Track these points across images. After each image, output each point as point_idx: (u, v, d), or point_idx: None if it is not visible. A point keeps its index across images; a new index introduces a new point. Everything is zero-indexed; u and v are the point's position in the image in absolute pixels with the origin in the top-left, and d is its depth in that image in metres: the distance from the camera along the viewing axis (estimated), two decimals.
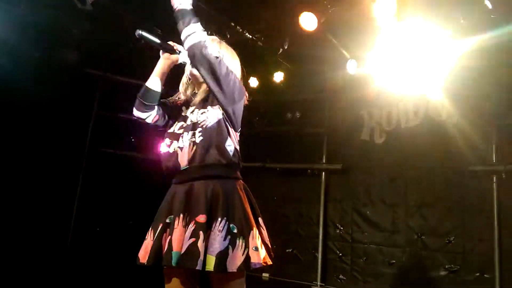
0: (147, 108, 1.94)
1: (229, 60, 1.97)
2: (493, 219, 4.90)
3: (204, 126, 1.86)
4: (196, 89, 2.04)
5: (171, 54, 1.94)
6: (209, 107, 1.91)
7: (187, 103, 2.03)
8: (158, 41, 1.91)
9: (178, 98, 2.09)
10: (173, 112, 2.02)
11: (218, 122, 1.88)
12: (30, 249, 5.15)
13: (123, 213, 6.35)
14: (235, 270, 1.69)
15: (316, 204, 6.15)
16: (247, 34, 5.23)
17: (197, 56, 1.77)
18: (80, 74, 5.91)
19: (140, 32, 1.84)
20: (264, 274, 6.09)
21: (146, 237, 1.92)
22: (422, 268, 5.23)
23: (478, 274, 4.90)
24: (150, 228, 1.93)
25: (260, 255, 1.77)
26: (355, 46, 5.23)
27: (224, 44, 2.07)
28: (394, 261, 5.44)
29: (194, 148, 1.83)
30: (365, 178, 5.91)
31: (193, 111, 1.96)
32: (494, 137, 5.05)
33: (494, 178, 4.98)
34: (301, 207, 6.32)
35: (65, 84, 5.76)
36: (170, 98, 2.10)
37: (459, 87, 5.13)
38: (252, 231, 1.80)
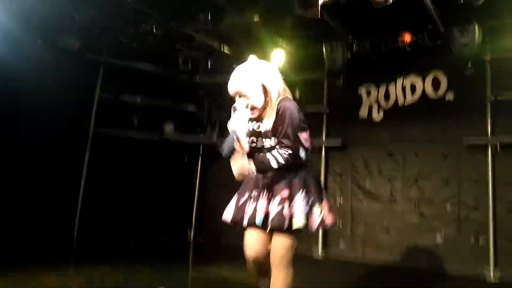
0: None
1: (271, 83, 2.39)
2: (487, 189, 5.16)
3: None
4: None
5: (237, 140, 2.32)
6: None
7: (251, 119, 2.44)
8: (231, 138, 2.27)
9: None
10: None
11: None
12: (38, 230, 5.34)
13: (128, 192, 6.56)
14: (313, 229, 2.36)
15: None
16: (246, 15, 5.32)
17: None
18: (82, 59, 5.98)
19: (225, 153, 2.26)
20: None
21: (232, 202, 2.53)
22: (419, 235, 5.53)
23: (472, 240, 5.20)
24: (237, 196, 2.53)
25: (331, 218, 2.42)
26: (353, 27, 5.36)
27: (255, 75, 2.36)
28: (392, 230, 5.73)
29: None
30: (364, 153, 6.14)
31: (260, 131, 2.44)
32: (489, 111, 5.24)
33: (489, 150, 5.22)
34: None
35: (68, 69, 5.85)
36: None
37: (452, 63, 5.30)
38: (323, 201, 2.40)
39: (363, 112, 6.17)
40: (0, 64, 4.98)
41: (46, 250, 5.09)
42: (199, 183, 7.66)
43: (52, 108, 5.58)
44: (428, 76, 5.66)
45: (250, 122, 2.38)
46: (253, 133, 2.39)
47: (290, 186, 2.32)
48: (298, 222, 2.25)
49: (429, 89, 5.65)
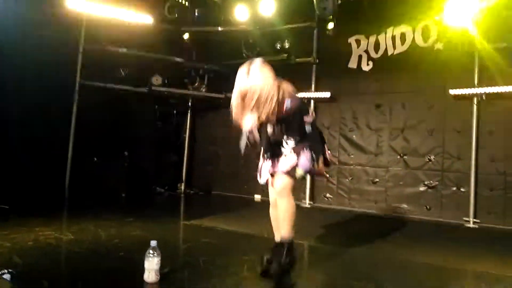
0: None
1: (270, 88, 2.72)
2: (471, 139, 5.21)
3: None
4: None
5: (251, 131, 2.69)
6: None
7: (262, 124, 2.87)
8: (246, 137, 2.64)
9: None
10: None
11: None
12: (29, 183, 5.38)
13: (118, 144, 6.56)
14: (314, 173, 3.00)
15: None
16: None
17: None
18: (64, 8, 5.80)
19: (243, 151, 2.63)
20: (256, 196, 6.48)
21: (259, 164, 3.00)
22: (403, 185, 5.64)
23: (454, 188, 5.31)
24: (261, 157, 2.98)
25: (320, 169, 2.89)
26: None
27: (259, 81, 2.70)
28: (377, 180, 5.83)
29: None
30: (352, 105, 6.13)
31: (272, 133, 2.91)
32: (476, 60, 5.20)
33: (475, 100, 5.22)
34: None
35: (51, 20, 5.70)
36: None
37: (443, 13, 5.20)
38: (320, 157, 2.85)
39: (353, 63, 6.10)
40: None
41: (38, 203, 5.12)
42: (188, 135, 7.69)
43: (38, 63, 5.48)
44: (419, 26, 5.56)
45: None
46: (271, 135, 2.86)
47: (296, 143, 2.77)
48: (300, 172, 2.71)
49: (418, 38, 5.57)
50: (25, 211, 4.65)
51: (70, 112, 6.24)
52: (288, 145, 2.79)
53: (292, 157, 2.77)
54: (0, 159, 5.20)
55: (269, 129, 2.88)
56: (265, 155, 2.96)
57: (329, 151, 3.01)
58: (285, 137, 2.82)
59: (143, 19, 6.46)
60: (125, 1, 6.28)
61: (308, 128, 2.85)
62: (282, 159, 2.81)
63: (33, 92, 5.49)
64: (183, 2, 6.61)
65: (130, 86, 6.68)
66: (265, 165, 2.93)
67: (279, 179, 2.78)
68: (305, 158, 2.76)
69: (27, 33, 5.46)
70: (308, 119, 2.87)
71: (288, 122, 2.80)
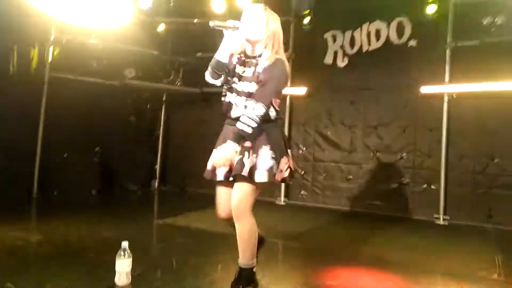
0: (218, 76, 2.46)
1: (275, 27, 2.48)
2: (441, 137, 5.33)
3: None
4: (248, 50, 2.46)
5: (233, 31, 2.36)
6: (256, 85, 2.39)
7: (241, 62, 2.44)
8: (225, 24, 2.35)
9: (232, 56, 2.48)
10: (229, 69, 2.47)
11: None
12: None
13: (90, 140, 6.37)
14: (278, 181, 2.40)
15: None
16: None
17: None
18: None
19: (214, 24, 2.33)
20: None
21: (210, 159, 2.46)
22: (376, 182, 5.72)
23: (425, 185, 5.43)
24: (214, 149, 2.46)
25: (281, 176, 2.39)
26: None
27: (267, 11, 2.47)
28: (351, 177, 5.90)
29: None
30: (327, 102, 6.16)
31: (245, 76, 2.41)
32: (448, 58, 5.30)
33: (445, 97, 5.33)
34: None
35: (20, 14, 5.45)
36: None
37: (418, 9, 5.27)
38: (283, 159, 2.39)
39: (328, 58, 6.11)
40: None
41: (5, 201, 4.92)
42: (163, 130, 7.56)
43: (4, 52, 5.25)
44: (393, 22, 5.61)
45: (239, 66, 2.43)
46: (237, 76, 2.43)
47: (254, 139, 2.31)
48: (260, 175, 2.28)
49: (393, 35, 5.63)
50: None
51: (39, 106, 6.00)
52: (244, 129, 2.25)
53: (260, 154, 2.30)
54: None
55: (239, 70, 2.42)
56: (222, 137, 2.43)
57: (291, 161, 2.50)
58: (245, 119, 2.26)
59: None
60: None
61: (273, 113, 2.39)
62: (239, 152, 2.28)
63: None
64: None
65: (102, 79, 6.48)
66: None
67: (237, 190, 2.31)
68: (266, 157, 2.30)
69: None
70: (278, 101, 2.44)
71: (261, 86, 2.32)
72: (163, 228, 4.36)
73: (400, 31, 5.57)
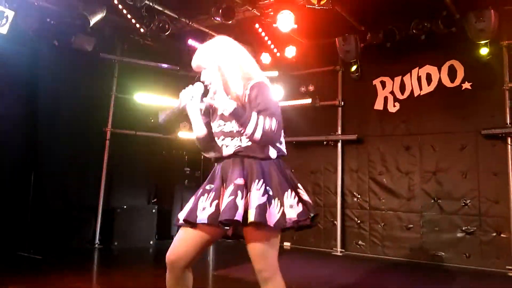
0: (209, 149, 2.15)
1: (243, 60, 2.12)
2: (508, 181, 4.99)
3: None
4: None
5: (188, 104, 2.08)
6: None
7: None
8: (175, 108, 2.07)
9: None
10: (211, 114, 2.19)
11: None
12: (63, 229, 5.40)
13: (147, 191, 6.61)
14: (271, 225, 1.87)
15: (333, 174, 6.32)
16: (256, 11, 5.32)
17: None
18: (97, 59, 6.09)
19: (159, 120, 2.08)
20: (285, 243, 6.32)
21: (188, 203, 2.11)
22: (439, 231, 5.38)
23: (494, 234, 5.03)
24: (193, 196, 2.12)
25: (295, 211, 1.94)
26: (365, 16, 5.28)
27: (213, 51, 2.12)
28: (411, 226, 5.60)
29: (239, 147, 2.05)
30: (380, 147, 6.02)
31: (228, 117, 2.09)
32: (507, 99, 5.07)
33: (509, 140, 5.05)
34: (318, 178, 6.49)
35: (84, 70, 5.98)
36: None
37: (468, 51, 5.17)
38: (286, 192, 1.97)
39: (379, 104, 6.06)
40: None
41: (69, 251, 5.16)
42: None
43: (71, 108, 5.73)
44: (444, 65, 5.51)
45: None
46: (221, 117, 2.11)
47: (246, 174, 1.97)
48: (251, 215, 1.87)
49: (445, 78, 5.51)
50: (57, 261, 4.65)
51: (101, 160, 6.35)
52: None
53: (252, 190, 1.92)
54: (33, 209, 5.31)
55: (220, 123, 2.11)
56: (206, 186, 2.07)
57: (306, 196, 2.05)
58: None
59: (171, 68, 6.70)
60: (155, 52, 6.52)
61: (273, 152, 2.05)
62: (229, 191, 1.92)
63: (64, 141, 5.67)
64: None
65: (159, 133, 6.81)
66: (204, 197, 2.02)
67: (253, 243, 1.95)
68: (260, 193, 1.90)
69: (60, 82, 5.69)
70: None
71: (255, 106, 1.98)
72: (218, 280, 4.32)
73: (452, 74, 5.45)
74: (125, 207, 6.16)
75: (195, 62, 2.12)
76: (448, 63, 5.49)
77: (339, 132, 6.35)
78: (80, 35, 5.54)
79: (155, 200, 6.60)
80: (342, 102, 6.38)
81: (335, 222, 6.15)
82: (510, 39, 5.06)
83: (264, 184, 1.94)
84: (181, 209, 2.13)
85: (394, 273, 4.94)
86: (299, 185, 2.08)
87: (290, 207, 1.94)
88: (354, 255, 5.91)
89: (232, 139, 2.05)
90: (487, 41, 4.85)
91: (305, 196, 2.03)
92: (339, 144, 6.33)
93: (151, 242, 6.14)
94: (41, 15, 5.20)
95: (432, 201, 5.50)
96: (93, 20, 5.22)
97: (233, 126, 2.05)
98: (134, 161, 6.51)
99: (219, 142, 2.11)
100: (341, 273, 4.92)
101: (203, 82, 2.12)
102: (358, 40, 5.68)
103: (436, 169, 5.52)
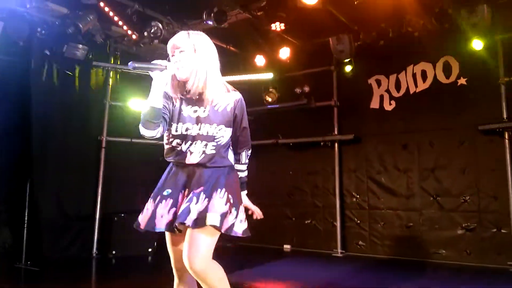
0: (156, 125, 2.01)
1: (208, 55, 2.10)
2: (506, 176, 4.95)
3: (218, 143, 2.13)
4: (188, 87, 2.10)
5: (161, 71, 2.00)
6: (224, 127, 2.13)
7: (186, 102, 2.12)
8: (149, 65, 2.01)
9: (170, 96, 2.14)
10: (172, 113, 2.12)
11: (228, 140, 2.19)
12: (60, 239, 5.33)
13: (144, 198, 6.52)
14: (223, 231, 2.02)
15: (331, 175, 6.28)
16: (248, 14, 5.29)
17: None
18: (90, 67, 6.04)
19: (133, 64, 1.96)
20: (285, 246, 6.27)
21: (147, 206, 2.14)
22: (439, 228, 5.34)
23: (495, 230, 5.00)
24: (150, 199, 2.15)
25: (242, 226, 2.09)
26: (357, 15, 5.26)
27: (193, 38, 2.10)
28: (411, 224, 5.57)
29: (203, 156, 2.11)
30: (378, 146, 5.99)
31: (199, 117, 2.10)
32: (503, 93, 5.05)
33: (506, 135, 5.02)
34: (316, 179, 6.46)
35: (77, 78, 5.93)
36: (163, 101, 2.10)
37: (464, 47, 5.15)
38: (241, 206, 2.13)
39: (375, 103, 6.03)
40: None
41: (66, 260, 5.09)
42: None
43: (65, 117, 5.66)
44: (439, 62, 5.49)
45: (186, 106, 2.11)
46: (189, 119, 2.09)
47: (207, 182, 2.06)
48: (212, 219, 1.97)
49: (440, 75, 5.49)
50: (54, 272, 4.59)
51: (97, 168, 6.29)
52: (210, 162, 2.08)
53: (213, 197, 2.03)
54: (29, 219, 5.24)
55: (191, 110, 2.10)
56: (164, 192, 2.11)
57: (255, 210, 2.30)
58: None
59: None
60: (149, 58, 6.49)
61: (231, 155, 2.20)
62: (188, 198, 2.03)
63: (58, 150, 5.61)
64: None
65: (156, 140, 6.74)
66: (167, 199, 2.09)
67: (193, 240, 1.99)
68: (221, 201, 2.02)
69: (53, 91, 5.65)
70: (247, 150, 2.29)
71: (238, 128, 2.18)
72: None
73: (447, 70, 5.43)
74: (122, 215, 6.10)
75: (177, 41, 2.08)
76: (443, 59, 5.47)
77: (336, 132, 6.31)
78: (72, 44, 5.49)
79: None
80: (338, 102, 6.36)
81: (335, 223, 6.11)
82: (504, 32, 5.04)
83: (226, 192, 2.06)
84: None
85: (395, 273, 4.90)
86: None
87: (241, 221, 2.08)
88: (354, 256, 5.87)
89: (197, 144, 2.08)
90: (481, 35, 4.81)
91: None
92: (336, 145, 6.30)
93: (150, 250, 6.07)
94: (31, 25, 5.15)
95: (431, 198, 5.46)
96: (84, 28, 5.19)
97: (200, 130, 2.08)
98: (131, 168, 6.46)
99: (183, 146, 2.09)
100: (343, 275, 4.88)
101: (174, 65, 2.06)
102: (351, 39, 5.66)
103: (435, 166, 5.49)
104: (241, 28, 5.71)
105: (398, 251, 5.60)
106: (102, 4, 5.07)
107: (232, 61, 6.55)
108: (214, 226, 1.97)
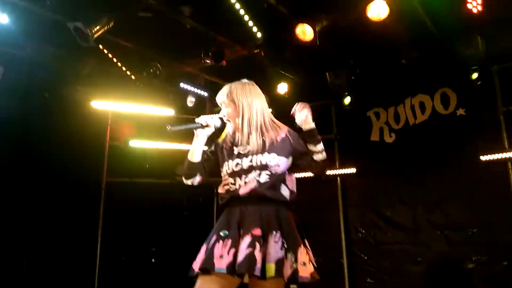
0: (192, 176, 2.20)
1: (252, 105, 2.21)
2: None
3: (273, 171, 2.09)
4: (236, 139, 2.21)
5: (203, 129, 2.15)
6: (276, 155, 2.12)
7: (237, 143, 2.19)
8: (189, 126, 2.17)
9: (221, 142, 2.25)
10: (222, 155, 2.21)
11: (285, 170, 2.15)
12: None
13: (145, 240, 6.40)
14: (285, 280, 1.94)
15: (335, 210, 6.16)
16: (246, 50, 5.36)
17: (321, 167, 2.22)
18: (89, 108, 6.06)
19: (171, 128, 2.16)
20: (291, 286, 6.06)
21: (201, 251, 2.07)
22: (449, 262, 5.18)
23: (506, 263, 4.84)
24: (204, 243, 2.09)
25: (308, 270, 1.99)
26: (353, 49, 5.33)
27: (236, 91, 2.21)
28: (420, 259, 5.39)
29: (256, 184, 2.07)
30: (381, 179, 5.92)
31: (249, 150, 2.14)
32: (502, 123, 5.04)
33: (509, 164, 4.96)
34: (320, 214, 6.31)
35: (76, 120, 5.93)
36: (211, 148, 2.27)
37: (459, 77, 5.18)
38: (300, 248, 2.02)
39: (375, 135, 6.01)
40: None
41: None
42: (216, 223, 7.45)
43: (64, 158, 5.62)
44: (436, 93, 5.53)
45: (236, 147, 2.16)
46: (238, 156, 2.14)
47: (263, 224, 1.99)
48: (270, 268, 1.90)
49: (438, 106, 5.51)
50: None
51: (97, 211, 6.19)
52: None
53: (269, 241, 1.95)
54: (29, 263, 5.10)
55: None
56: (220, 232, 2.03)
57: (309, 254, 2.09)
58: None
59: (165, 112, 6.64)
60: (148, 97, 6.52)
61: (287, 193, 2.11)
62: (247, 242, 1.92)
63: (59, 190, 5.55)
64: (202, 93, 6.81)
65: (155, 178, 6.69)
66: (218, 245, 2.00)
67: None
68: (276, 247, 1.93)
69: (52, 133, 5.63)
70: (293, 178, 2.20)
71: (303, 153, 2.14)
72: None
73: (445, 101, 5.45)
74: (122, 258, 5.95)
75: (219, 97, 2.23)
76: (440, 90, 5.52)
77: (337, 166, 6.25)
78: (71, 86, 5.54)
79: (153, 249, 6.38)
80: (338, 136, 6.34)
81: (341, 260, 5.93)
82: (499, 63, 5.11)
83: (281, 236, 1.97)
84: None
85: None
86: (305, 239, 2.11)
87: (303, 264, 1.98)
88: None
89: (249, 175, 2.07)
90: (476, 67, 4.86)
91: (310, 253, 2.09)
92: (338, 179, 6.22)
93: None
94: (31, 68, 5.20)
95: (439, 232, 5.33)
96: (84, 70, 5.26)
97: (252, 161, 2.09)
98: (131, 209, 6.34)
99: (237, 182, 2.09)
100: None
101: (221, 118, 2.22)
102: (348, 73, 5.70)
103: (440, 198, 5.40)
104: (239, 65, 5.77)
105: (408, 287, 5.39)
106: (101, 46, 5.14)
107: None
108: (273, 277, 1.88)
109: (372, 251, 5.81)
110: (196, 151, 2.17)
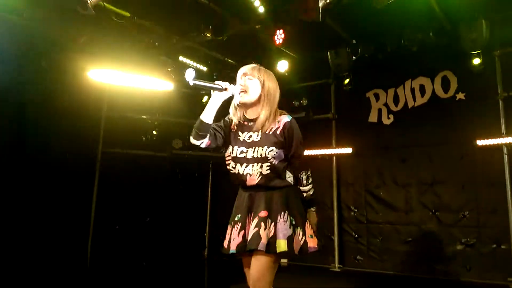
0: (201, 137, 2.27)
1: (272, 88, 2.35)
2: (505, 191, 4.92)
3: (273, 163, 2.28)
4: (246, 113, 2.37)
5: (220, 92, 2.24)
6: (274, 149, 2.29)
7: (242, 128, 2.36)
8: (209, 85, 2.23)
9: (229, 121, 2.41)
10: (228, 136, 2.37)
11: (283, 161, 2.34)
12: (51, 252, 5.29)
13: (140, 211, 6.47)
14: (296, 253, 2.19)
15: (329, 188, 6.22)
16: (247, 25, 5.27)
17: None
18: (87, 77, 5.99)
19: (194, 81, 2.15)
20: (282, 260, 6.17)
21: (227, 231, 2.34)
22: (438, 243, 5.28)
23: (494, 245, 4.94)
24: (229, 225, 2.36)
25: (315, 241, 2.30)
26: (355, 29, 5.26)
27: (262, 71, 2.35)
28: (410, 239, 5.50)
29: (261, 177, 2.27)
30: (376, 160, 5.95)
31: (253, 141, 2.31)
32: (501, 108, 5.04)
33: (505, 149, 4.99)
34: (314, 192, 6.37)
35: (74, 90, 5.88)
36: (220, 123, 2.40)
37: (460, 61, 5.15)
38: (306, 223, 2.30)
39: (373, 117, 6.01)
40: None
41: (60, 273, 5.02)
42: (210, 199, 7.56)
43: (61, 128, 5.61)
44: (437, 76, 5.50)
45: (242, 131, 2.33)
46: (243, 144, 2.31)
47: (270, 206, 2.23)
48: (282, 245, 2.14)
49: (438, 89, 5.49)
50: (45, 282, 4.48)
51: (92, 180, 6.23)
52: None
53: (278, 221, 2.19)
54: (21, 230, 5.15)
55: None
56: (236, 217, 2.30)
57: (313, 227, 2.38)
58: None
59: (164, 85, 6.57)
60: (147, 69, 6.44)
61: (291, 175, 2.35)
62: (254, 223, 2.20)
63: (55, 160, 5.54)
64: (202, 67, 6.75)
65: (151, 151, 6.70)
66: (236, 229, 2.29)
67: (256, 264, 2.17)
68: (285, 225, 2.19)
69: (49, 103, 5.59)
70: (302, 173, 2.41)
71: (290, 151, 2.33)
72: None
73: (445, 85, 5.43)
74: (116, 227, 6.03)
75: (245, 69, 2.34)
76: (441, 74, 5.49)
77: (334, 146, 6.27)
78: (68, 54, 5.45)
79: (147, 220, 6.46)
80: (336, 115, 6.34)
81: (332, 237, 6.04)
82: (502, 48, 5.07)
83: (289, 215, 2.21)
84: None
85: None
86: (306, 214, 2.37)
87: (311, 236, 2.27)
88: (352, 271, 5.79)
89: (253, 166, 2.26)
90: (479, 51, 4.81)
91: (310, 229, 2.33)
92: (334, 158, 6.25)
93: (144, 263, 5.99)
94: (27, 37, 5.10)
95: (430, 213, 5.41)
96: (82, 38, 5.16)
97: (254, 152, 2.27)
98: (126, 180, 6.38)
99: (240, 169, 2.28)
100: None
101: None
102: (349, 53, 5.65)
103: (433, 181, 5.45)
104: (240, 40, 5.69)
105: (396, 266, 5.52)
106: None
107: (230, 73, 6.52)
108: (285, 252, 2.13)
109: (363, 229, 5.91)
110: (210, 112, 2.25)
